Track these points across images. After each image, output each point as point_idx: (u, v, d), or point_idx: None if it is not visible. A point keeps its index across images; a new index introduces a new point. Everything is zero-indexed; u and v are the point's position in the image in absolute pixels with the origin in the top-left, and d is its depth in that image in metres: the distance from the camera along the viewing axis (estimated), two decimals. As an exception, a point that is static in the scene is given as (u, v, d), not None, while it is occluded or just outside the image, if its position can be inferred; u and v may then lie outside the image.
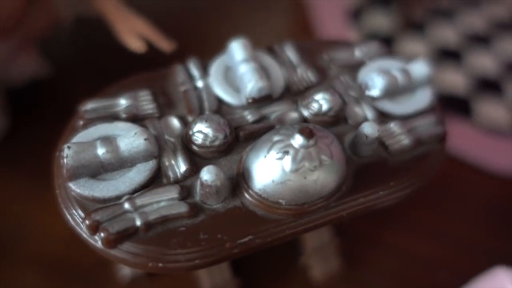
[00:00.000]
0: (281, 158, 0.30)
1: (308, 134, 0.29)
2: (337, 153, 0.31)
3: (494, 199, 0.58)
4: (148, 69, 0.40)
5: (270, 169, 0.30)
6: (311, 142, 0.29)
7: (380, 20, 0.72)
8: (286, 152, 0.30)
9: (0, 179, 0.48)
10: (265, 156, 0.30)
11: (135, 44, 0.42)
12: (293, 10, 0.76)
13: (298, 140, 0.29)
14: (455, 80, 0.68)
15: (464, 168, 0.59)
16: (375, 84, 0.38)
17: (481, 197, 0.58)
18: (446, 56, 0.71)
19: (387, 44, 0.68)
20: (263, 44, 0.42)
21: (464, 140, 0.61)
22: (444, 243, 0.54)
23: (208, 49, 0.55)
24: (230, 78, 0.39)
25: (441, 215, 0.56)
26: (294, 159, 0.29)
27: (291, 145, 0.30)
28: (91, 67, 0.59)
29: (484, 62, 0.71)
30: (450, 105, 0.64)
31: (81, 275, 0.45)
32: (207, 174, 0.29)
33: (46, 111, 0.54)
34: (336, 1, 0.75)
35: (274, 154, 0.30)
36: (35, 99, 0.55)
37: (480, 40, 0.74)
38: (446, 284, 0.49)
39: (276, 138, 0.30)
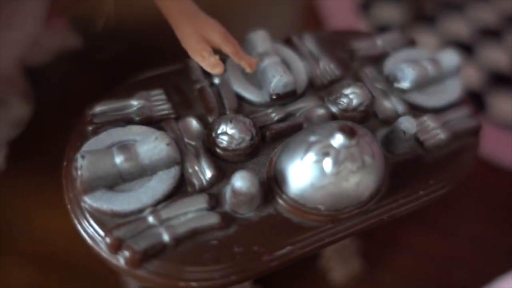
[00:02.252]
0: (320, 160, 0.27)
1: (349, 132, 0.27)
2: (377, 153, 0.29)
3: (510, 196, 0.56)
4: (158, 65, 0.37)
5: (308, 172, 0.27)
6: (353, 141, 0.27)
7: (391, 12, 0.70)
8: (326, 154, 0.27)
9: (5, 176, 0.46)
10: (302, 159, 0.27)
11: (212, 68, 0.32)
12: (301, 3, 0.73)
13: (338, 140, 0.27)
14: (468, 74, 0.66)
15: (479, 164, 0.58)
16: (405, 75, 0.36)
17: (496, 194, 0.57)
18: (458, 49, 0.69)
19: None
20: (274, 33, 0.40)
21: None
22: (459, 241, 0.52)
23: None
24: (248, 73, 0.36)
25: (456, 213, 0.54)
26: (335, 161, 0.27)
27: (331, 146, 0.27)
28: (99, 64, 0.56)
29: (497, 56, 0.69)
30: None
31: (82, 272, 0.43)
32: (240, 181, 0.26)
33: (53, 111, 0.52)
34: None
35: (312, 156, 0.27)
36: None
37: (492, 33, 0.72)
38: (463, 283, 0.48)
39: (312, 138, 0.28)
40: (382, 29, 0.67)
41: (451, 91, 0.37)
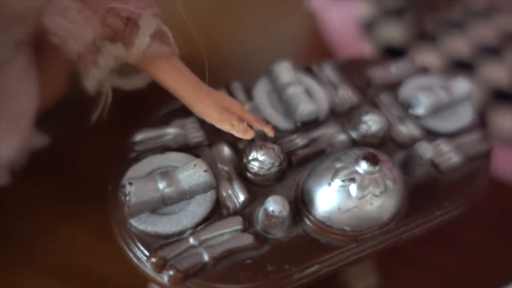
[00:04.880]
0: (347, 186, 0.29)
1: (373, 160, 0.29)
2: (398, 178, 0.31)
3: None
4: None
5: (335, 196, 0.30)
6: (377, 168, 0.29)
7: (393, 32, 0.73)
8: (352, 179, 0.29)
9: (27, 189, 0.48)
10: (329, 184, 0.30)
11: (244, 133, 0.34)
12: (306, 24, 0.76)
13: (363, 166, 0.29)
14: (470, 91, 0.69)
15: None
16: (420, 102, 0.39)
17: (499, 208, 0.59)
18: (459, 67, 0.71)
19: (400, 55, 0.69)
20: (280, 54, 0.42)
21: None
22: (465, 254, 0.54)
23: (227, 68, 0.55)
24: (273, 101, 0.38)
25: (461, 227, 0.56)
26: (360, 186, 0.29)
27: (356, 172, 0.29)
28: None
29: (497, 73, 0.72)
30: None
31: (104, 285, 0.45)
32: (273, 205, 0.29)
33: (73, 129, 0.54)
34: (349, 13, 0.75)
35: (338, 181, 0.30)
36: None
37: (492, 51, 0.75)
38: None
39: (338, 165, 0.30)
40: (386, 48, 0.70)
41: (463, 116, 0.40)
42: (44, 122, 0.42)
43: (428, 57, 0.72)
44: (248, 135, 0.34)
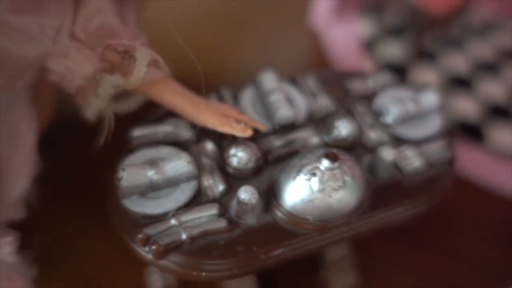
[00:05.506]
0: (309, 179, 0.34)
1: (332, 157, 0.33)
2: (358, 175, 0.35)
3: (507, 221, 0.61)
4: None
5: (299, 189, 0.34)
6: (336, 165, 0.33)
7: (393, 50, 0.77)
8: (314, 174, 0.34)
9: (46, 201, 0.52)
10: (295, 178, 0.34)
11: (243, 132, 0.38)
12: (308, 41, 0.81)
13: (324, 163, 0.34)
14: (467, 107, 0.71)
15: (477, 191, 0.63)
16: (389, 111, 0.43)
17: (494, 219, 0.61)
18: (457, 84, 0.75)
19: (401, 73, 0.72)
20: (282, 72, 0.46)
21: (477, 165, 0.64)
22: (458, 263, 0.57)
23: (229, 77, 0.59)
24: (258, 106, 0.43)
25: (456, 237, 0.59)
26: (320, 180, 0.34)
27: (318, 168, 0.34)
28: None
29: (494, 89, 0.75)
30: (463, 131, 0.68)
31: None
32: (244, 193, 0.33)
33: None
34: (350, 32, 0.80)
35: (303, 176, 0.34)
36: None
37: (489, 68, 0.78)
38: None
39: (303, 161, 0.35)
40: (386, 66, 0.74)
41: (430, 125, 0.43)
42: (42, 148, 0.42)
43: (427, 74, 0.75)
44: (247, 133, 0.38)
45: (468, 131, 0.68)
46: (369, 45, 0.78)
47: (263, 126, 0.40)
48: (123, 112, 0.40)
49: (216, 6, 0.83)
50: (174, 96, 0.39)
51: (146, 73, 0.36)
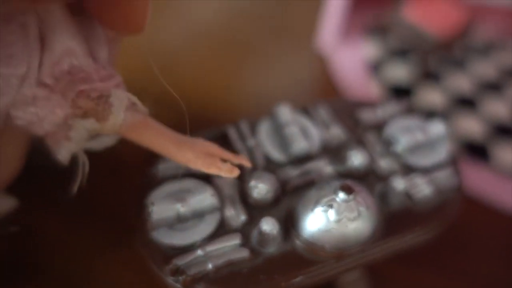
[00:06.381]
0: (326, 211, 0.36)
1: (348, 190, 0.36)
2: (371, 204, 0.38)
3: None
4: (201, 127, 0.46)
5: (317, 219, 0.36)
6: (351, 197, 0.36)
7: (399, 72, 0.80)
8: (330, 206, 0.36)
9: (72, 227, 0.53)
10: (313, 210, 0.37)
11: (230, 173, 0.37)
12: (315, 64, 0.83)
13: (340, 196, 0.36)
14: (472, 126, 0.74)
15: (484, 210, 0.64)
16: (398, 141, 0.45)
17: (502, 237, 0.63)
18: (462, 103, 0.77)
19: (407, 95, 0.75)
20: (290, 98, 0.48)
21: (483, 184, 0.66)
22: (469, 281, 0.58)
23: (239, 109, 0.61)
24: (273, 137, 0.46)
25: (466, 256, 0.60)
26: (337, 211, 0.36)
27: (334, 200, 0.36)
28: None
29: (498, 108, 0.77)
30: (469, 151, 0.70)
31: None
32: (266, 225, 0.36)
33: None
34: (356, 55, 0.82)
35: (320, 207, 0.36)
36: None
37: (492, 87, 0.80)
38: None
39: (321, 193, 0.37)
40: (393, 88, 0.76)
41: (438, 153, 0.46)
42: (16, 187, 0.40)
43: (432, 95, 0.78)
44: (235, 173, 0.38)
45: (474, 150, 0.70)
46: (375, 68, 0.80)
47: (247, 162, 0.39)
48: (98, 149, 0.37)
49: (216, 27, 0.83)
50: (154, 137, 0.36)
51: (123, 119, 0.33)
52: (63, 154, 0.33)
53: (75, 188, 0.35)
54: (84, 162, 0.35)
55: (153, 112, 0.36)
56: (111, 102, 0.33)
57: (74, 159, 0.34)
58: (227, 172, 0.37)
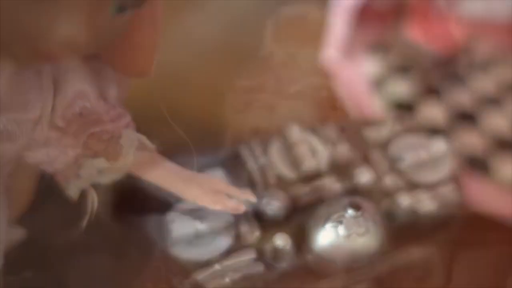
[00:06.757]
0: (336, 227, 0.38)
1: (356, 207, 0.38)
2: (379, 220, 0.40)
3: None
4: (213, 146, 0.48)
5: (327, 235, 0.39)
6: (359, 213, 0.38)
7: (401, 88, 0.82)
8: (340, 222, 0.38)
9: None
10: (323, 225, 0.39)
11: (236, 210, 0.37)
12: (321, 82, 0.85)
13: (349, 212, 0.38)
14: (473, 141, 0.75)
15: (486, 223, 0.66)
16: (402, 159, 0.47)
17: (503, 250, 0.65)
18: (463, 118, 0.79)
19: (409, 110, 0.77)
20: (296, 114, 0.50)
21: (485, 197, 0.68)
22: None
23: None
24: (284, 156, 0.48)
25: (471, 266, 0.62)
26: (346, 227, 0.38)
27: (343, 216, 0.38)
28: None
29: (498, 122, 0.79)
30: (470, 164, 0.72)
31: None
32: (279, 240, 0.38)
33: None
34: (358, 71, 0.85)
35: (330, 223, 0.39)
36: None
37: (492, 101, 0.82)
38: None
39: (330, 210, 0.39)
40: (395, 104, 0.79)
41: (441, 170, 0.48)
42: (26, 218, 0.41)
43: (434, 110, 0.79)
44: (241, 210, 0.38)
45: (475, 165, 0.72)
46: (377, 84, 0.82)
47: (252, 197, 0.40)
48: (106, 183, 0.36)
49: (218, 40, 0.84)
50: (162, 174, 0.37)
51: (133, 159, 0.34)
52: (72, 190, 0.34)
53: (84, 223, 0.36)
54: (93, 199, 0.36)
55: (161, 149, 0.37)
56: (121, 144, 0.33)
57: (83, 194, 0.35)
58: (233, 210, 0.38)
